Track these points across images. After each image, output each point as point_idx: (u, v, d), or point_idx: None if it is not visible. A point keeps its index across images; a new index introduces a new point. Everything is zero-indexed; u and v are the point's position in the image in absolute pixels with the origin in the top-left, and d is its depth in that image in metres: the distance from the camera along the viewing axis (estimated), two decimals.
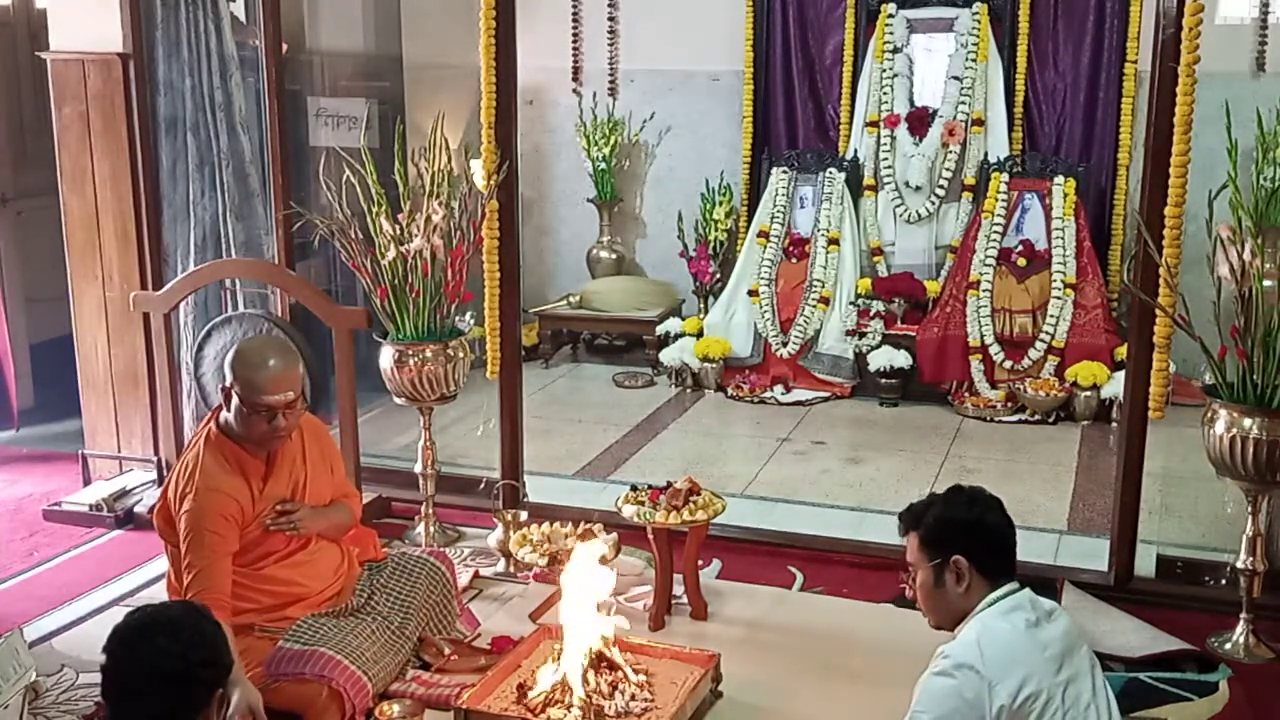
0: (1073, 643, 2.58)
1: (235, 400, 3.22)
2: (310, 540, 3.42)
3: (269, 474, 3.33)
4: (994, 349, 6.31)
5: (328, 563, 3.48)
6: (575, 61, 7.53)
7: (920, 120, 6.80)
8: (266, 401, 3.20)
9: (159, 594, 3.96)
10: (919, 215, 6.74)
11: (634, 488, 4.02)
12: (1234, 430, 3.60)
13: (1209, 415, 3.69)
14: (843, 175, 6.80)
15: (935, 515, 2.68)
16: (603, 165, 7.35)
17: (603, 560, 3.48)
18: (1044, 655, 2.51)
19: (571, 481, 5.28)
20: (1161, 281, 3.77)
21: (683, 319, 6.94)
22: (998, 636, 2.53)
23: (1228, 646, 3.74)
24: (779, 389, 6.54)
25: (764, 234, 6.89)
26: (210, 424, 3.32)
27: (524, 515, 4.38)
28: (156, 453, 5.02)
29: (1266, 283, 3.55)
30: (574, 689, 3.16)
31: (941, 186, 6.72)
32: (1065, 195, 6.42)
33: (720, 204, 7.14)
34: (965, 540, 2.63)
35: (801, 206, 6.91)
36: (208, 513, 3.17)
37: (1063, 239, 6.37)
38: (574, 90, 7.52)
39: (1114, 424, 5.80)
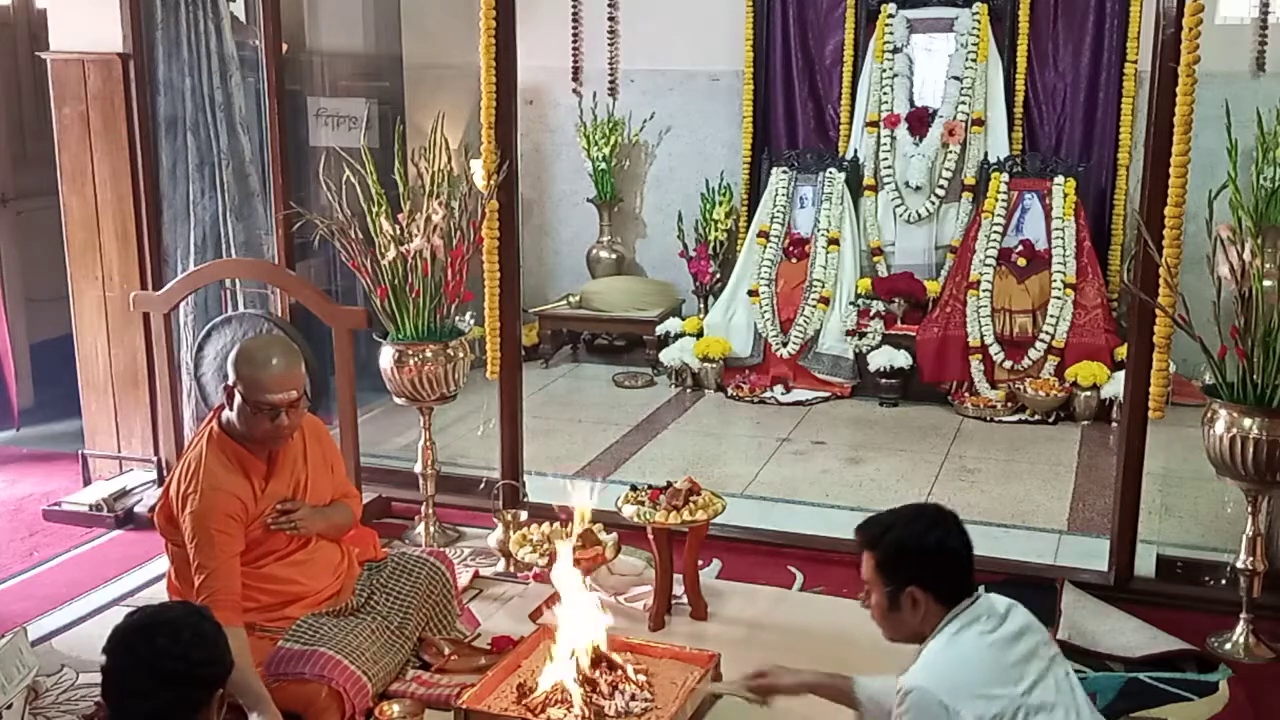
0: (1033, 643, 2.54)
1: (239, 399, 3.23)
2: (310, 540, 3.42)
3: (271, 473, 3.33)
4: (994, 349, 6.31)
5: (327, 562, 3.48)
6: (575, 61, 7.53)
7: (920, 120, 6.80)
8: (270, 400, 3.20)
9: (159, 594, 3.96)
10: (919, 215, 6.75)
11: (634, 488, 4.02)
12: (1234, 430, 3.59)
13: (1209, 415, 3.69)
14: (843, 175, 6.80)
15: (892, 540, 2.60)
16: (603, 165, 7.35)
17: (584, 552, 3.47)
18: (1006, 666, 2.48)
19: (571, 481, 5.27)
20: (1161, 281, 3.77)
21: (683, 319, 6.94)
22: (957, 658, 2.49)
23: (1228, 646, 3.74)
24: (779, 389, 6.54)
25: (764, 234, 6.89)
26: (212, 423, 3.33)
27: (524, 515, 4.38)
28: (156, 453, 5.02)
29: (1266, 283, 3.54)
30: (572, 697, 3.16)
31: (941, 186, 6.72)
32: (1065, 195, 6.42)
33: (720, 204, 7.14)
34: (921, 569, 2.57)
35: (801, 206, 6.91)
36: (213, 513, 3.17)
37: (1063, 239, 6.37)
38: (574, 90, 7.53)
39: (1114, 424, 5.80)
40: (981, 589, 2.63)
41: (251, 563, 3.30)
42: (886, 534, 2.62)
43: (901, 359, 6.37)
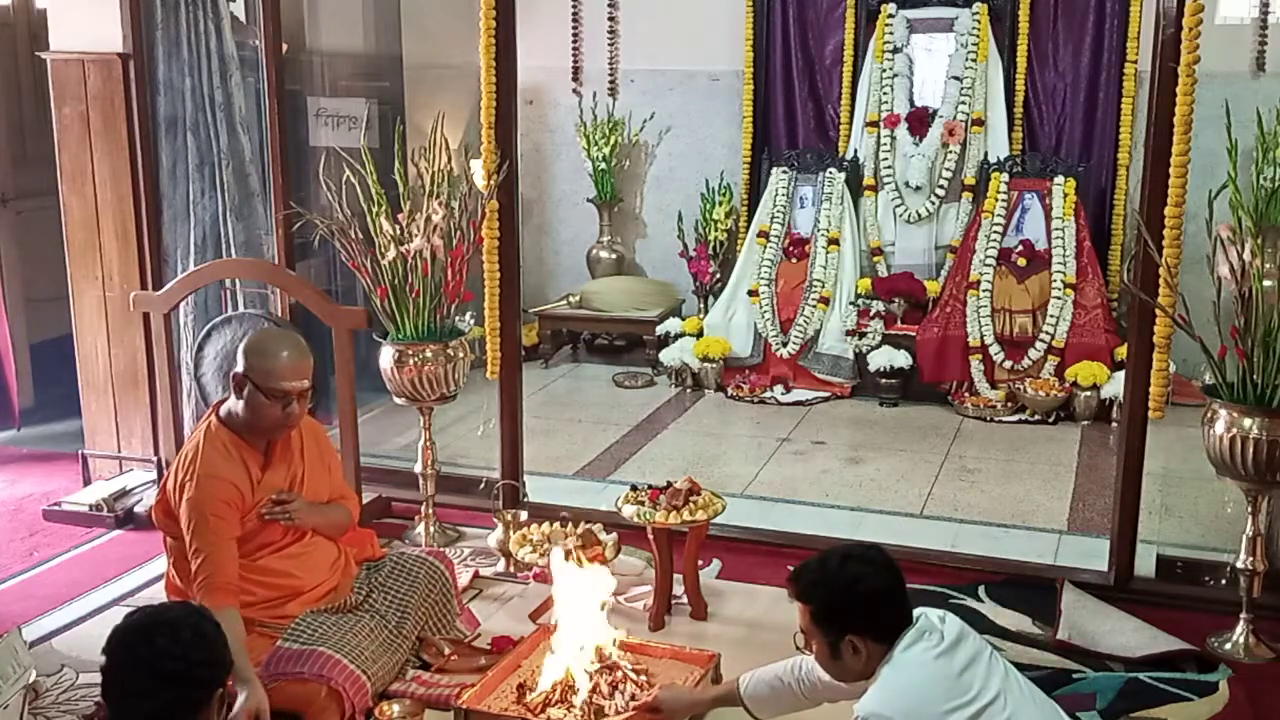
0: (971, 649, 2.56)
1: (249, 388, 3.26)
2: (306, 534, 3.44)
3: (268, 464, 3.37)
4: (994, 349, 6.31)
5: (323, 557, 3.49)
6: (575, 61, 7.53)
7: (920, 120, 6.80)
8: (284, 388, 3.25)
9: (159, 594, 3.96)
10: (919, 215, 6.75)
11: (634, 488, 4.02)
12: (1234, 430, 3.59)
13: (1209, 415, 3.69)
14: (843, 175, 6.80)
15: (822, 597, 2.61)
16: (603, 165, 7.35)
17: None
18: (954, 677, 2.50)
19: (571, 481, 5.28)
20: (1161, 281, 3.77)
21: (683, 319, 6.94)
22: (910, 682, 2.51)
23: (1228, 646, 3.74)
24: (779, 389, 6.54)
25: (764, 234, 6.89)
26: (211, 417, 3.36)
27: (524, 515, 4.38)
28: (156, 453, 5.02)
29: (1266, 283, 3.54)
30: (578, 690, 3.17)
31: (941, 186, 6.72)
32: (1065, 195, 6.43)
33: (720, 204, 7.14)
34: (857, 618, 2.58)
35: (801, 206, 6.91)
36: (210, 498, 3.20)
37: (1063, 239, 6.37)
38: (574, 90, 7.53)
39: (1114, 424, 5.80)
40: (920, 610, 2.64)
41: (248, 555, 3.32)
42: (817, 588, 2.62)
43: (901, 359, 6.37)
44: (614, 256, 7.52)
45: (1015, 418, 6.14)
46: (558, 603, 3.36)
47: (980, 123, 6.71)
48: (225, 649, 2.38)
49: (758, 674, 2.99)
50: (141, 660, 2.26)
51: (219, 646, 2.36)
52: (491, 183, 4.42)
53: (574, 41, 7.50)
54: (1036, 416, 6.11)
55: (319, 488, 3.50)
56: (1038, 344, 6.26)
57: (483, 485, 4.85)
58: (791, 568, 2.73)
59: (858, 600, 2.58)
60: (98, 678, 2.32)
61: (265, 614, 3.32)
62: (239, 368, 3.29)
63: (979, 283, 6.40)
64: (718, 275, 7.10)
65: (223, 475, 3.23)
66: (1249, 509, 3.73)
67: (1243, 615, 3.76)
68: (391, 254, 4.25)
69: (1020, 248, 6.44)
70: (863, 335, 6.49)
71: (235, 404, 3.31)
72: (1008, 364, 6.30)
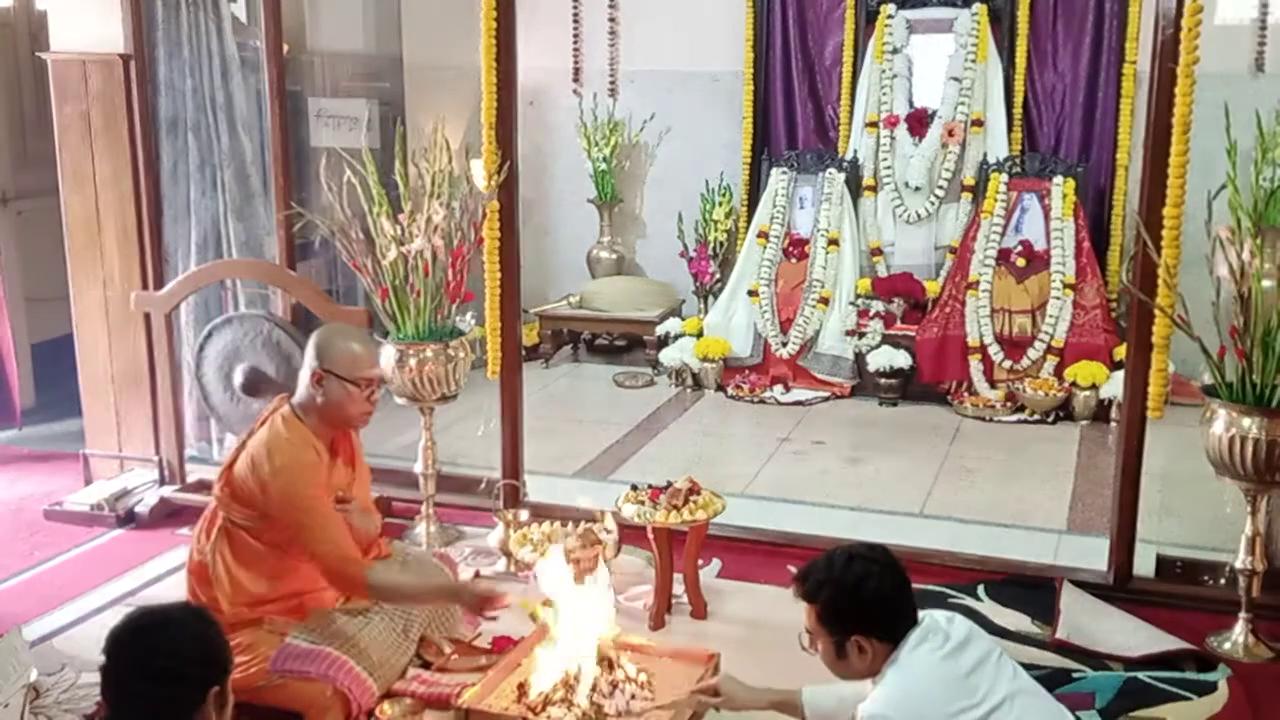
0: (979, 650, 2.57)
1: (334, 381, 3.28)
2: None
3: (332, 463, 3.38)
4: (993, 349, 6.31)
5: None
6: (575, 62, 7.54)
7: (920, 121, 6.81)
8: (368, 375, 3.33)
9: (159, 594, 3.97)
10: (918, 215, 6.75)
11: (634, 487, 4.03)
12: (1233, 430, 3.60)
13: (1208, 415, 3.69)
14: (842, 175, 6.81)
15: (829, 597, 2.61)
16: (603, 166, 7.36)
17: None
18: (961, 678, 2.50)
19: (571, 481, 5.28)
20: (1161, 281, 3.78)
21: (683, 319, 6.95)
22: (916, 683, 2.51)
23: (1227, 646, 3.74)
24: (779, 389, 6.55)
25: (764, 234, 6.90)
26: (283, 407, 3.35)
27: (524, 515, 4.39)
28: (157, 452, 5.02)
29: (1266, 283, 3.55)
30: (582, 685, 3.17)
31: (941, 187, 6.72)
32: (1064, 195, 6.43)
33: (720, 204, 7.15)
34: (862, 619, 2.58)
35: (801, 207, 6.91)
36: (307, 483, 3.22)
37: (1062, 239, 6.38)
38: (574, 91, 7.53)
39: (1113, 424, 5.80)
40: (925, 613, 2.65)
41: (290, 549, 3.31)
42: (823, 588, 2.62)
43: (901, 359, 6.38)
44: (614, 256, 7.53)
45: (1014, 418, 6.15)
46: (556, 602, 3.36)
47: (979, 123, 6.72)
48: (220, 648, 2.37)
49: (821, 687, 2.95)
50: (135, 659, 2.26)
51: (214, 646, 2.35)
52: (492, 183, 4.42)
53: (574, 42, 7.51)
54: (1036, 416, 6.12)
55: (362, 494, 3.53)
56: (1037, 344, 6.27)
57: (483, 485, 4.85)
58: (792, 568, 2.73)
59: (864, 599, 2.59)
60: (98, 677, 2.33)
61: (278, 610, 3.30)
62: (314, 365, 3.29)
63: (978, 283, 6.41)
64: (718, 275, 7.11)
65: (310, 462, 3.26)
66: (1248, 509, 3.73)
67: (1242, 615, 3.77)
68: (392, 254, 4.26)
69: (1019, 248, 6.44)
70: (862, 335, 6.50)
71: (310, 400, 3.30)
72: (1007, 364, 6.31)
